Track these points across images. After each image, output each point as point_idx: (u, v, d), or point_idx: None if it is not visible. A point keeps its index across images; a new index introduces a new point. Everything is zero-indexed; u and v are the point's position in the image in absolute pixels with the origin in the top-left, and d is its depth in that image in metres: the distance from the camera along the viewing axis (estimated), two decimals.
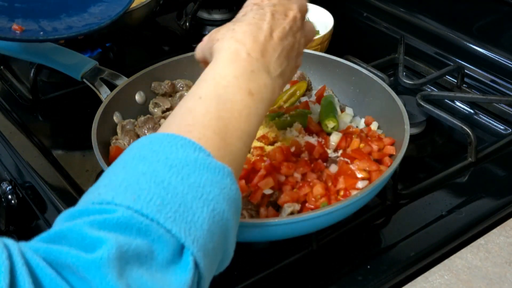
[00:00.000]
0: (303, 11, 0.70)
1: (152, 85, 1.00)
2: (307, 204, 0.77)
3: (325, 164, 0.83)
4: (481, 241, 0.80)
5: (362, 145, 0.86)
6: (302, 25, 0.70)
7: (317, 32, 1.20)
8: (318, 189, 0.77)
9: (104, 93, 0.94)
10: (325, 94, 0.97)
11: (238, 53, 0.63)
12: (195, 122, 0.58)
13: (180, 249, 0.50)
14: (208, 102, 0.59)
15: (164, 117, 0.95)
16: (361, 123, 0.93)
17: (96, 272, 0.44)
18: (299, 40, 0.69)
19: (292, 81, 1.00)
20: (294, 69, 0.70)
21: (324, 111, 0.91)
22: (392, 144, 0.86)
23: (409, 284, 0.74)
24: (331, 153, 0.85)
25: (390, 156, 0.85)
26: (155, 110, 0.98)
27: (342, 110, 0.95)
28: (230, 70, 0.62)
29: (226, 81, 0.61)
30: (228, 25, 0.67)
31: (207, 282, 0.53)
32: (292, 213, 0.75)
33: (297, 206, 0.76)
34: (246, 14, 0.68)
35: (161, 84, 1.00)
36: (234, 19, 0.69)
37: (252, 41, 0.64)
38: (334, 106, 0.92)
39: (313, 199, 0.77)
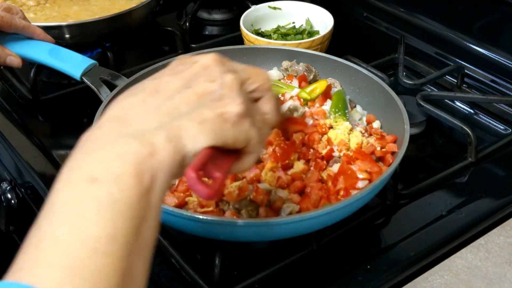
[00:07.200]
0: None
1: None
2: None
3: (328, 163, 0.83)
4: (481, 241, 0.80)
5: (364, 140, 0.85)
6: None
7: (317, 32, 1.20)
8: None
9: (104, 93, 0.94)
10: (335, 89, 0.95)
11: None
12: None
13: None
14: None
15: None
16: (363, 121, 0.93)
17: None
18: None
19: (300, 77, 0.98)
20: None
21: (335, 106, 0.91)
22: (395, 142, 0.86)
23: (409, 284, 0.74)
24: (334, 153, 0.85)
25: (393, 153, 0.84)
26: None
27: (352, 107, 0.95)
28: None
29: None
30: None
31: None
32: (291, 213, 0.75)
33: (296, 207, 0.76)
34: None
35: None
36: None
37: None
38: (345, 103, 0.91)
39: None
